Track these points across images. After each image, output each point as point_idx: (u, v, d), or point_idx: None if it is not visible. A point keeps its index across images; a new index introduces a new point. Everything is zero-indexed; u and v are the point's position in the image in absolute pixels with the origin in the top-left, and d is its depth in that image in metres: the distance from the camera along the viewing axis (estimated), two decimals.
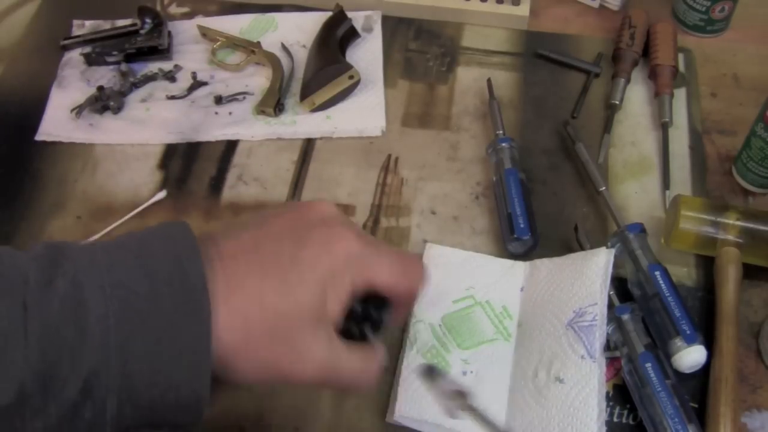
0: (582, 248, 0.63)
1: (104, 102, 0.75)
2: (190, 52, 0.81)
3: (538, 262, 0.62)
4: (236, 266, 0.41)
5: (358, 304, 0.45)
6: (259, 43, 0.79)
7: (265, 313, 0.40)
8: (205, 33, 0.81)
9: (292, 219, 0.44)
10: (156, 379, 0.38)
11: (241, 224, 0.44)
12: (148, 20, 0.80)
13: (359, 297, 0.45)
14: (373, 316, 0.46)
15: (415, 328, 0.59)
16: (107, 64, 0.79)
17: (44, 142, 0.74)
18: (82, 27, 0.83)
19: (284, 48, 0.80)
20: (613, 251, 0.59)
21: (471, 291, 0.61)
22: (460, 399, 0.45)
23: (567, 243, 0.65)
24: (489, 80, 0.75)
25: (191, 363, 0.38)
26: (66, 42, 0.80)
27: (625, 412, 0.57)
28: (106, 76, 0.78)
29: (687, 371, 0.56)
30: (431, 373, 0.47)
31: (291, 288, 0.41)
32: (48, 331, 0.36)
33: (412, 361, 0.58)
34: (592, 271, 0.58)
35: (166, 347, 0.37)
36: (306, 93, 0.74)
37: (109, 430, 0.38)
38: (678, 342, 0.56)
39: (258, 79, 0.78)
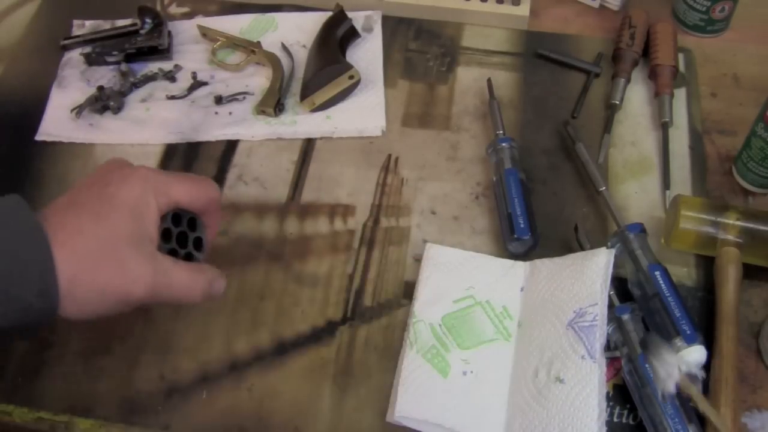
0: (582, 248, 0.63)
1: (104, 102, 0.75)
2: (190, 52, 0.81)
3: (538, 262, 0.62)
4: (58, 213, 0.48)
5: (171, 220, 0.52)
6: (259, 43, 0.79)
7: (87, 241, 0.46)
8: (205, 33, 0.81)
9: (97, 174, 0.51)
10: (10, 306, 0.44)
11: (69, 190, 0.51)
12: (148, 20, 0.80)
13: (170, 214, 0.52)
14: (188, 236, 0.54)
15: (416, 328, 0.59)
16: (107, 64, 0.79)
17: (44, 142, 0.74)
18: (82, 27, 0.83)
19: (284, 48, 0.80)
20: (613, 251, 0.59)
21: (471, 291, 0.61)
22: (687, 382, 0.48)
23: (567, 243, 0.65)
24: (489, 80, 0.75)
25: (41, 287, 0.44)
26: (66, 42, 0.80)
27: (625, 412, 0.57)
28: (106, 76, 0.78)
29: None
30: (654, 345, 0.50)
31: (103, 217, 0.47)
32: None
33: (412, 361, 0.58)
34: (592, 272, 0.58)
35: (18, 276, 0.44)
36: (306, 93, 0.74)
37: None
38: (678, 342, 0.56)
39: (258, 79, 0.78)
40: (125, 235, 0.47)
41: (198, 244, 0.55)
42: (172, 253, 0.53)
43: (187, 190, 0.52)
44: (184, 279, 0.51)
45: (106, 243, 0.47)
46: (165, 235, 0.52)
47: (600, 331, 0.55)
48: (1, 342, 0.47)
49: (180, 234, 0.54)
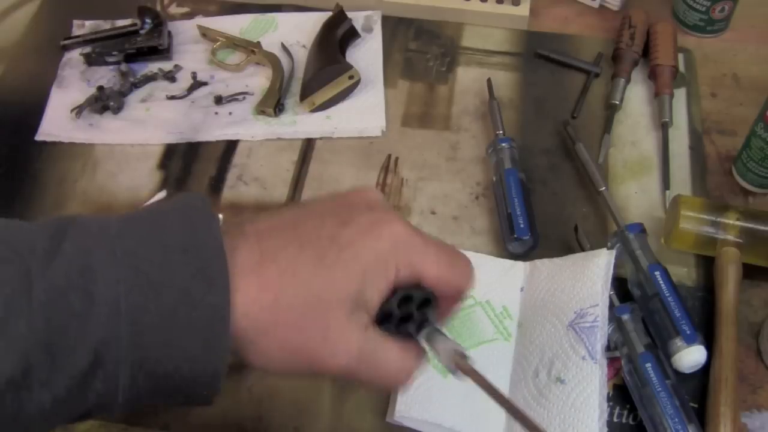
0: (582, 248, 0.63)
1: (104, 102, 0.75)
2: (190, 52, 0.81)
3: (538, 262, 0.62)
4: (270, 240, 0.38)
5: (398, 302, 0.41)
6: (259, 43, 0.79)
7: (298, 289, 0.38)
8: (205, 33, 0.81)
9: (337, 202, 0.41)
10: (169, 352, 0.36)
11: (279, 210, 0.41)
12: (148, 20, 0.80)
13: (401, 294, 0.41)
14: (414, 315, 0.42)
15: None
16: (107, 64, 0.79)
17: (44, 142, 0.74)
18: (82, 27, 0.83)
19: (284, 48, 0.80)
20: (614, 252, 0.59)
21: (471, 291, 0.61)
22: (461, 359, 0.41)
23: (567, 243, 0.65)
24: (489, 80, 0.75)
25: (207, 336, 0.36)
26: (66, 42, 0.80)
27: (625, 412, 0.57)
28: (106, 76, 0.78)
29: (687, 371, 0.56)
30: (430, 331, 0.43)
31: (328, 267, 0.38)
32: (53, 299, 0.34)
33: None
34: (593, 272, 0.58)
35: (181, 318, 0.35)
36: (306, 93, 0.74)
37: (121, 401, 0.36)
38: (678, 342, 0.56)
39: (258, 79, 0.78)
40: (344, 297, 0.38)
41: (422, 321, 0.43)
42: (387, 328, 0.42)
43: (437, 272, 0.41)
44: (395, 361, 0.41)
45: (319, 299, 0.38)
46: (384, 316, 0.41)
47: (601, 332, 0.55)
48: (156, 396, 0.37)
49: (404, 316, 0.42)
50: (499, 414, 0.56)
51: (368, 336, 0.39)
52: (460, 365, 0.41)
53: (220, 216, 0.38)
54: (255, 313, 0.37)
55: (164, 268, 0.35)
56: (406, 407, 0.55)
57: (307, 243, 0.38)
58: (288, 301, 0.37)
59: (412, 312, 0.42)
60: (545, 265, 0.62)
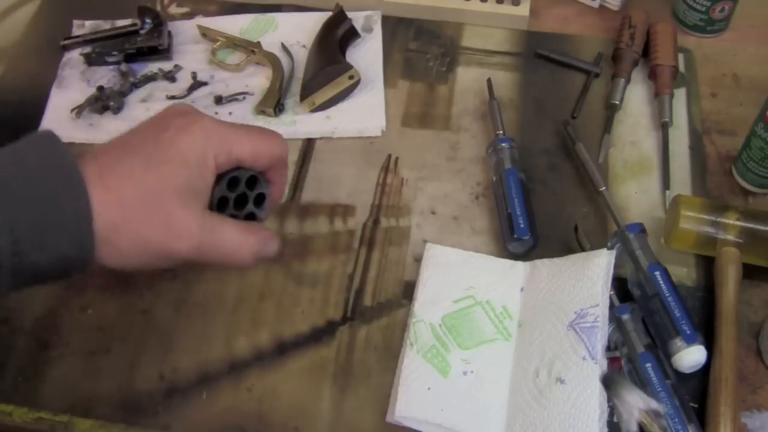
0: (582, 248, 0.63)
1: (104, 102, 0.75)
2: (190, 52, 0.81)
3: (538, 262, 0.62)
4: (107, 156, 0.45)
5: (226, 185, 0.49)
6: (259, 43, 0.79)
7: (136, 189, 0.44)
8: (205, 33, 0.81)
9: (154, 118, 0.49)
10: (45, 254, 0.42)
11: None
12: (148, 20, 0.80)
13: (227, 178, 0.49)
14: (248, 195, 0.50)
15: (416, 328, 0.59)
16: (107, 64, 0.79)
17: None
18: (82, 27, 0.83)
19: (284, 48, 0.80)
20: (614, 253, 0.59)
21: (471, 291, 0.61)
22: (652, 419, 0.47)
23: (567, 243, 0.65)
24: (489, 80, 0.75)
25: (77, 235, 0.42)
26: (66, 42, 0.80)
27: None
28: (106, 76, 0.78)
29: (687, 371, 0.56)
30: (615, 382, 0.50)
31: (157, 165, 0.45)
32: None
33: (412, 361, 0.58)
34: (593, 273, 0.58)
35: (53, 224, 0.42)
36: (306, 93, 0.74)
37: (4, 289, 0.42)
38: (678, 342, 0.56)
39: (258, 79, 0.78)
40: (176, 187, 0.45)
41: (260, 200, 0.52)
42: (222, 202, 0.50)
43: (251, 148, 0.48)
44: (234, 238, 0.48)
45: (155, 192, 0.44)
46: (221, 203, 0.49)
47: (601, 333, 0.55)
48: (35, 284, 0.44)
49: (238, 197, 0.50)
50: (500, 414, 0.56)
51: (206, 220, 0.46)
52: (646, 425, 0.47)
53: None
54: (105, 214, 0.43)
55: (33, 185, 0.42)
56: (406, 407, 0.55)
57: (136, 150, 0.45)
58: (130, 199, 0.44)
59: (244, 192, 0.50)
60: (545, 265, 0.62)
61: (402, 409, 0.55)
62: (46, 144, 0.44)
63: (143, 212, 0.44)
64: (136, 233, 0.44)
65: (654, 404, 0.51)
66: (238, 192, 0.50)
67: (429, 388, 0.56)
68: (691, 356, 0.55)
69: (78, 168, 0.43)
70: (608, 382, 0.51)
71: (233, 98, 0.76)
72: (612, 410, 0.50)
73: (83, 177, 0.43)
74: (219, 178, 0.48)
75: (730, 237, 0.61)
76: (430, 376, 0.57)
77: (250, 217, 0.51)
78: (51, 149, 0.44)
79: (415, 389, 0.56)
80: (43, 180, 0.42)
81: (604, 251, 0.60)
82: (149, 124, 0.48)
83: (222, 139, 0.47)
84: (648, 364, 0.54)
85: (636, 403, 0.51)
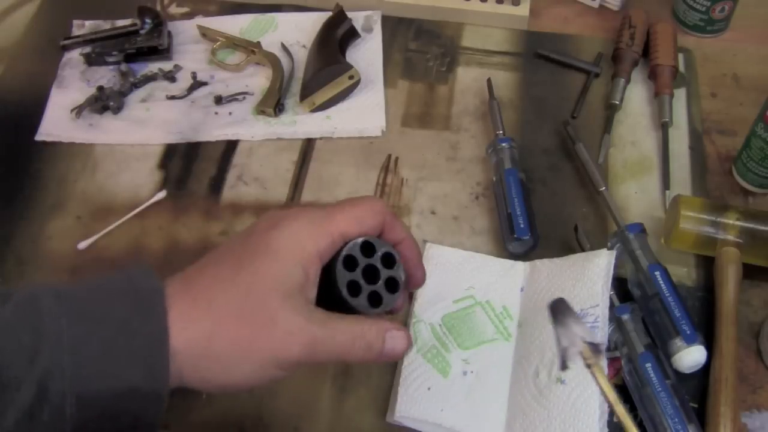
0: (582, 248, 0.63)
1: (104, 102, 0.75)
2: (190, 52, 0.81)
3: (538, 262, 0.62)
4: (192, 271, 0.42)
5: (357, 256, 0.43)
6: (259, 43, 0.79)
7: (227, 292, 0.39)
8: (205, 33, 0.81)
9: (246, 228, 0.44)
10: (112, 381, 0.37)
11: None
12: (148, 20, 0.80)
13: (359, 252, 0.43)
14: (380, 272, 0.44)
15: (416, 328, 0.59)
16: (107, 64, 0.79)
17: (44, 142, 0.74)
18: (82, 27, 0.83)
19: (284, 48, 0.80)
20: (614, 253, 0.59)
21: (471, 291, 0.61)
22: (590, 353, 0.42)
23: (567, 243, 0.65)
24: (489, 80, 0.75)
25: (148, 363, 0.38)
26: (66, 42, 0.80)
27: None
28: (106, 76, 0.78)
29: (687, 371, 0.56)
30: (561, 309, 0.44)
31: (247, 264, 0.40)
32: (2, 335, 0.37)
33: (412, 361, 0.58)
34: (593, 273, 0.58)
35: (121, 347, 0.37)
36: (306, 93, 0.74)
37: (70, 430, 0.37)
38: (678, 342, 0.56)
39: (258, 79, 0.78)
40: (273, 284, 0.39)
41: (392, 285, 0.45)
42: (354, 285, 0.43)
43: (349, 217, 0.43)
44: (347, 331, 0.41)
45: (250, 292, 0.39)
46: (349, 262, 0.43)
47: (601, 333, 0.55)
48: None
49: (369, 267, 0.44)
50: (500, 414, 0.56)
51: (313, 314, 0.40)
52: (589, 360, 0.42)
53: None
54: (192, 329, 0.39)
55: (105, 304, 0.38)
56: (406, 407, 0.55)
57: (222, 260, 0.41)
58: (221, 305, 0.39)
59: (375, 265, 0.43)
60: (545, 265, 0.62)
61: (402, 409, 0.55)
62: (136, 270, 0.41)
63: (239, 317, 0.39)
64: (234, 342, 0.39)
65: (597, 338, 0.48)
66: (370, 261, 0.44)
67: (429, 388, 0.56)
68: (691, 356, 0.55)
69: (158, 287, 0.39)
70: (555, 309, 0.44)
71: (233, 98, 0.76)
72: (561, 347, 0.44)
73: (163, 295, 0.39)
74: (350, 245, 0.43)
75: (730, 237, 0.61)
76: (430, 376, 0.57)
77: (375, 297, 0.44)
78: (137, 274, 0.41)
79: (415, 389, 0.56)
80: (118, 300, 0.39)
81: (604, 251, 0.60)
82: (236, 235, 0.44)
83: (315, 223, 0.42)
84: (648, 364, 0.54)
85: (580, 333, 0.44)
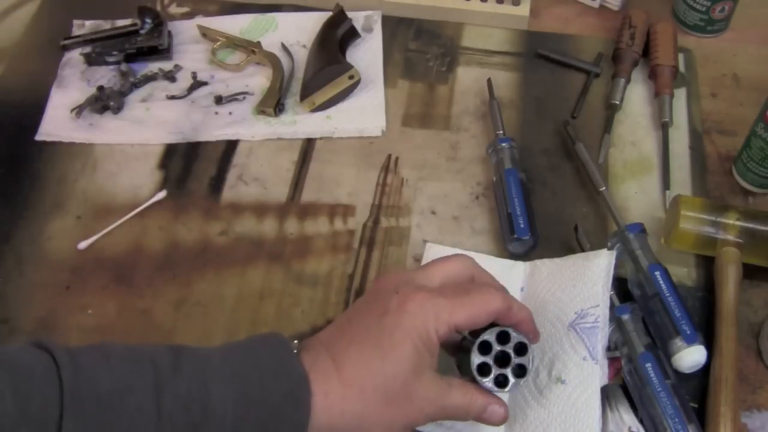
0: (582, 248, 0.63)
1: (104, 102, 0.75)
2: (190, 52, 0.81)
3: (538, 262, 0.62)
4: (336, 347, 0.48)
5: (492, 342, 0.50)
6: (259, 43, 0.79)
7: (375, 379, 0.46)
8: (205, 33, 0.81)
9: (370, 298, 0.50)
10: None
11: (334, 322, 0.51)
12: (148, 20, 0.80)
13: (495, 340, 0.50)
14: (512, 358, 0.50)
15: None
16: (107, 64, 0.79)
17: (44, 142, 0.74)
18: (82, 27, 0.83)
19: (284, 48, 0.80)
20: (614, 253, 0.59)
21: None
22: None
23: (567, 243, 0.65)
24: (489, 80, 0.75)
25: None
26: (66, 42, 0.80)
27: None
28: (106, 76, 0.78)
29: (687, 371, 0.56)
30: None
31: (388, 351, 0.46)
32: (177, 409, 0.42)
33: None
34: (593, 273, 0.58)
35: (272, 429, 0.44)
36: (306, 93, 0.74)
37: None
38: (678, 342, 0.56)
39: (258, 79, 0.78)
40: (411, 368, 0.46)
41: (521, 371, 0.51)
42: (484, 367, 0.50)
43: (466, 315, 0.48)
44: (459, 401, 0.49)
45: (394, 379, 0.46)
46: (484, 347, 0.50)
47: (602, 333, 0.55)
48: None
49: (501, 353, 0.51)
50: None
51: (438, 386, 0.48)
52: None
53: (295, 342, 0.48)
54: (347, 408, 0.46)
55: (261, 389, 0.44)
56: None
57: (364, 340, 0.47)
58: (371, 391, 0.46)
59: (508, 352, 0.50)
60: (545, 265, 0.62)
61: None
62: (279, 347, 0.47)
63: (386, 400, 0.46)
64: (380, 419, 0.46)
65: (642, 430, 0.53)
66: (503, 348, 0.51)
67: None
68: (691, 356, 0.55)
69: (306, 378, 0.45)
70: (608, 393, 0.51)
71: (233, 98, 0.76)
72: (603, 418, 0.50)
73: (310, 390, 0.45)
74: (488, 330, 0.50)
75: (730, 237, 0.61)
76: None
77: (502, 380, 0.51)
78: (282, 352, 0.47)
79: None
80: (271, 382, 0.45)
81: (604, 251, 0.60)
82: (367, 306, 0.50)
83: (438, 313, 0.48)
84: (648, 364, 0.54)
85: (629, 423, 0.52)
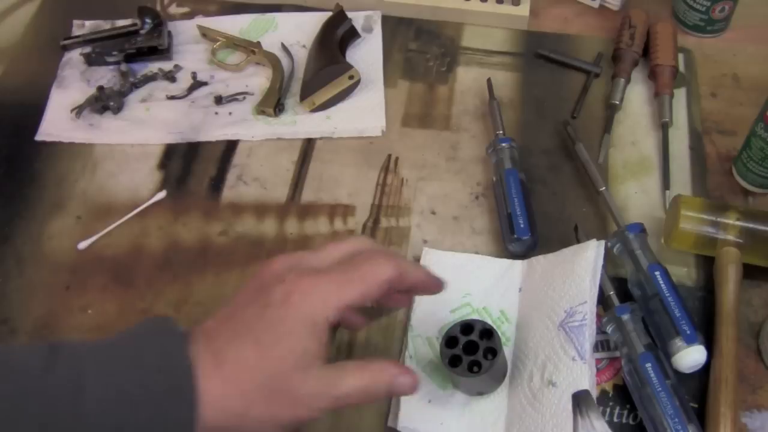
0: None
1: (104, 102, 0.75)
2: (190, 52, 0.81)
3: (534, 260, 0.62)
4: (218, 340, 0.45)
5: (458, 336, 0.54)
6: (259, 43, 0.79)
7: (255, 379, 0.44)
8: (205, 33, 0.81)
9: (256, 284, 0.47)
10: None
11: (219, 309, 0.48)
12: (148, 20, 0.80)
13: (459, 333, 0.54)
14: (479, 345, 0.54)
15: (414, 343, 0.59)
16: (107, 64, 0.79)
17: (44, 142, 0.74)
18: (82, 27, 0.83)
19: (284, 48, 0.80)
20: (602, 243, 0.58)
21: (468, 298, 0.61)
22: None
23: (567, 243, 0.65)
24: (489, 80, 0.75)
25: None
26: (66, 42, 0.80)
27: (625, 412, 0.57)
28: (106, 76, 0.78)
29: (687, 371, 0.56)
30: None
31: (269, 348, 0.44)
32: (46, 415, 0.40)
33: None
34: (581, 268, 0.58)
35: (157, 429, 0.42)
36: (306, 93, 0.74)
37: None
38: (678, 342, 0.56)
39: (258, 79, 0.78)
40: (294, 363, 0.44)
41: (492, 353, 0.54)
42: (455, 358, 0.53)
43: (356, 291, 0.46)
44: (356, 384, 0.46)
45: (275, 376, 0.44)
46: (450, 341, 0.54)
47: (589, 331, 0.55)
48: None
49: (468, 343, 0.54)
50: (498, 423, 0.55)
51: (328, 378, 0.45)
52: None
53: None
54: (228, 406, 0.43)
55: (143, 386, 0.42)
56: (408, 419, 0.55)
57: (245, 334, 0.45)
58: (250, 391, 0.44)
59: (474, 341, 0.54)
60: (540, 263, 0.61)
61: (404, 421, 0.55)
62: (166, 337, 0.45)
63: (268, 399, 0.44)
64: (264, 414, 0.44)
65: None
66: (469, 338, 0.54)
67: (429, 401, 0.56)
68: (691, 356, 0.55)
69: (191, 371, 0.43)
70: (579, 399, 0.48)
71: (233, 98, 0.76)
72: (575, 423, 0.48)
73: (193, 384, 0.43)
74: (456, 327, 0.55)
75: (730, 237, 0.61)
76: (430, 389, 0.57)
77: (474, 365, 0.54)
78: (168, 344, 0.44)
79: (416, 401, 0.56)
80: (153, 377, 0.42)
81: (592, 242, 0.59)
82: (251, 296, 0.47)
83: (326, 299, 0.45)
84: (648, 364, 0.54)
85: (600, 429, 0.48)
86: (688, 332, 0.56)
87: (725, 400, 0.54)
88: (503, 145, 0.68)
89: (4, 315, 0.63)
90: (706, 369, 0.57)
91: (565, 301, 0.57)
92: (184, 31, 0.82)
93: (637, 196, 0.69)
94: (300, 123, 0.74)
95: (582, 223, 0.64)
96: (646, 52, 0.77)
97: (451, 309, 0.61)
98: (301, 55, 0.79)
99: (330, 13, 0.79)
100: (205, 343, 0.45)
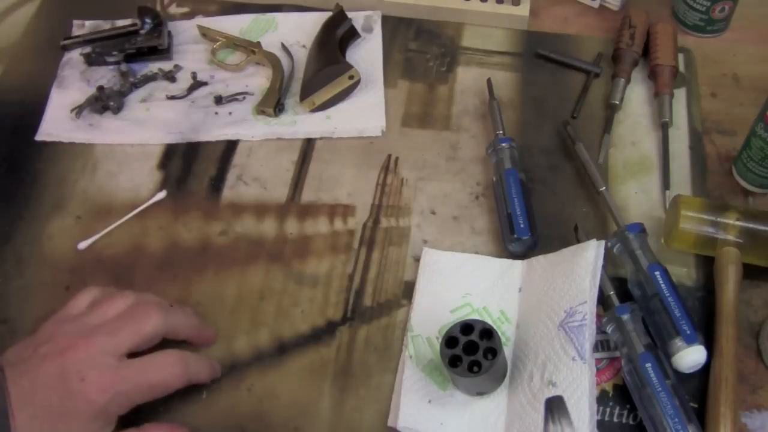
0: None
1: (104, 102, 0.75)
2: (190, 52, 0.81)
3: (533, 260, 0.62)
4: (21, 414, 0.49)
5: (458, 336, 0.54)
6: (259, 43, 0.79)
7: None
8: (205, 33, 0.81)
9: (56, 363, 0.52)
10: None
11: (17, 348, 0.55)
12: (148, 20, 0.80)
13: (459, 333, 0.54)
14: (479, 345, 0.54)
15: (414, 342, 0.59)
16: (107, 64, 0.79)
17: (44, 142, 0.74)
18: (82, 27, 0.83)
19: (284, 48, 0.80)
20: (602, 243, 0.59)
21: (468, 298, 0.61)
22: None
23: (567, 243, 0.65)
24: (489, 80, 0.75)
25: None
26: (66, 42, 0.80)
27: (625, 412, 0.57)
28: (106, 76, 0.78)
29: (687, 371, 0.56)
30: None
31: (70, 417, 0.51)
32: None
33: (412, 374, 0.57)
34: (581, 268, 0.58)
35: None
36: (306, 93, 0.74)
37: None
38: (678, 342, 0.56)
39: (258, 79, 0.78)
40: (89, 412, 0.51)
41: (492, 353, 0.54)
42: (455, 359, 0.54)
43: (135, 374, 0.53)
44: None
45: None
46: (450, 342, 0.54)
47: (589, 331, 0.55)
48: None
49: (469, 343, 0.54)
50: (498, 423, 0.55)
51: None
52: None
53: None
54: None
55: None
56: (408, 419, 0.55)
57: (44, 420, 0.50)
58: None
59: (474, 341, 0.54)
60: (540, 263, 0.61)
61: (404, 421, 0.55)
62: None
63: None
64: None
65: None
66: (470, 338, 0.55)
67: (429, 401, 0.56)
68: (691, 356, 0.55)
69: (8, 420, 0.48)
70: (551, 405, 0.46)
71: (233, 98, 0.76)
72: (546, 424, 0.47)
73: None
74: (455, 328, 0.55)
75: (730, 237, 0.61)
76: (430, 389, 0.57)
77: (474, 365, 0.54)
78: None
79: (417, 401, 0.56)
80: None
81: (592, 242, 0.59)
82: (51, 380, 0.51)
83: (117, 392, 0.52)
84: (648, 364, 0.54)
85: None
86: (688, 332, 0.56)
87: (725, 400, 0.54)
88: (503, 145, 0.68)
89: (4, 315, 0.63)
90: (706, 369, 0.57)
91: (565, 301, 0.57)
92: (184, 31, 0.82)
93: (637, 196, 0.69)
94: (300, 123, 0.74)
95: (582, 223, 0.65)
96: (646, 52, 0.77)
97: (451, 309, 0.61)
98: (301, 55, 0.79)
99: (330, 13, 0.79)
100: (13, 410, 0.49)
